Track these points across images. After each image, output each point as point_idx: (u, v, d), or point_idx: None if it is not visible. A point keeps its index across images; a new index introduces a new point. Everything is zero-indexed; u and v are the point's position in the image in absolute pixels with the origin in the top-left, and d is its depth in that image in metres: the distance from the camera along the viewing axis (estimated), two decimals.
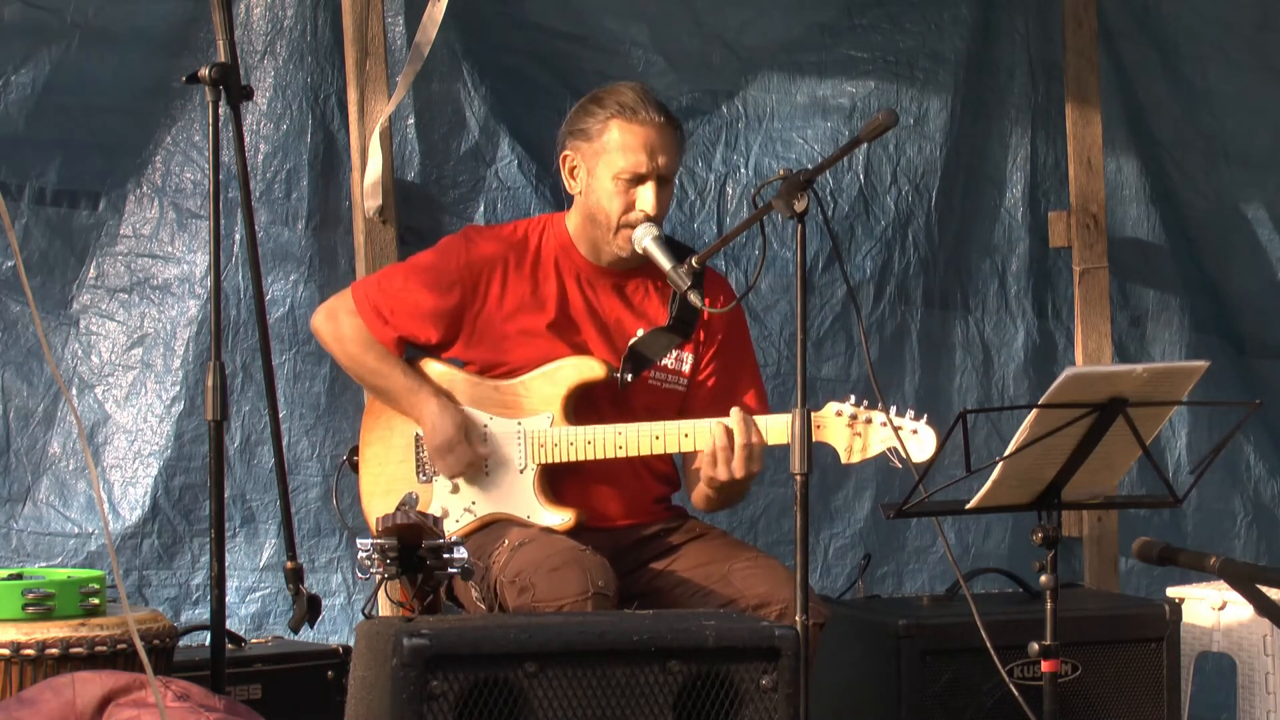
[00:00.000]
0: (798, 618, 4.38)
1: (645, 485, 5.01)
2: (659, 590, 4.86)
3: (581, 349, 4.93)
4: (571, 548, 4.66)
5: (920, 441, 4.66)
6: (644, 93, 4.93)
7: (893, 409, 4.70)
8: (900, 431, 4.65)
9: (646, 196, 4.86)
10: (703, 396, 4.99)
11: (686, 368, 5.00)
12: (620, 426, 4.83)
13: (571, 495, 4.92)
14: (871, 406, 4.70)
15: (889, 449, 4.68)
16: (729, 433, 4.72)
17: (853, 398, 4.74)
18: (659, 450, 4.84)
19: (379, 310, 4.96)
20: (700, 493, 4.92)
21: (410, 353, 5.03)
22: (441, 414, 4.89)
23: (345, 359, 5.03)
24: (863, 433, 4.70)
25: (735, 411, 4.75)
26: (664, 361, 4.97)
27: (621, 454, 4.83)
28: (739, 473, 4.73)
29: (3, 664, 4.26)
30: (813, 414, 4.59)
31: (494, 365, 4.95)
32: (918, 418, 4.68)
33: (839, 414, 4.72)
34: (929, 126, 6.33)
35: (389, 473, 5.01)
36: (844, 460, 4.75)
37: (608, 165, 4.87)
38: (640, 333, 4.95)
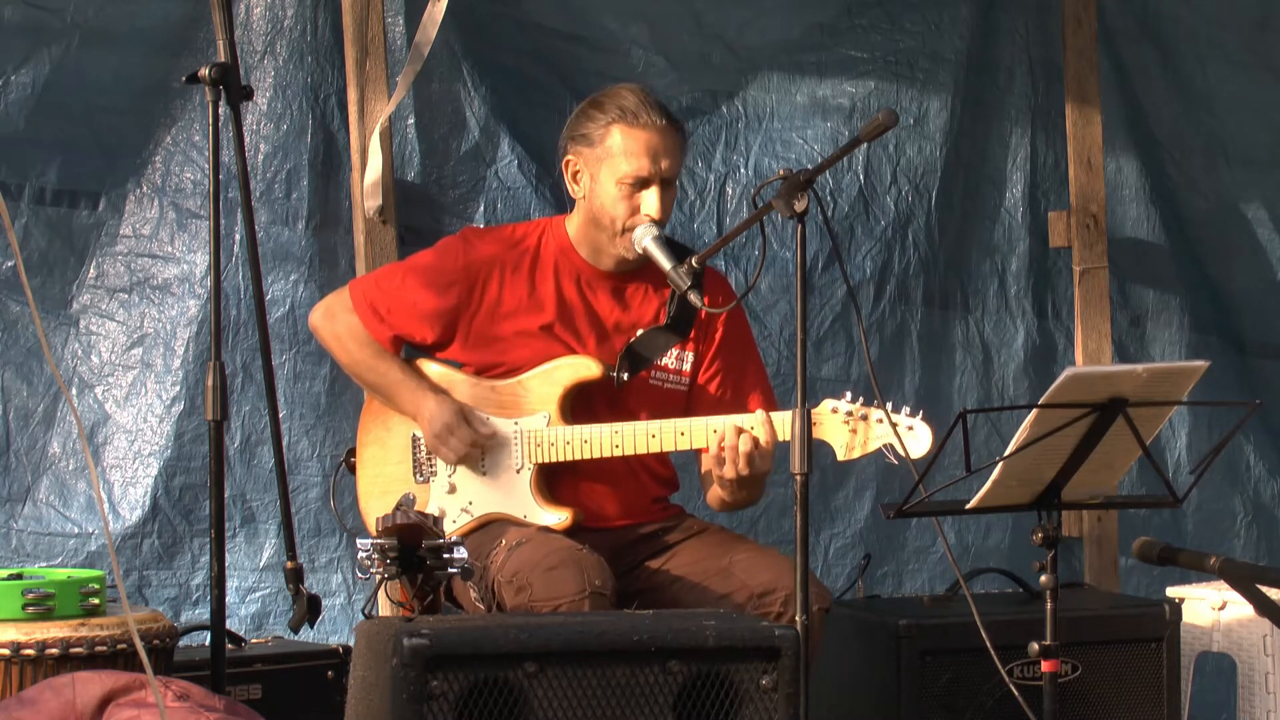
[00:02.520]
0: (798, 618, 4.38)
1: (642, 485, 5.01)
2: (659, 587, 4.87)
3: (579, 350, 4.93)
4: (569, 547, 4.66)
5: (916, 438, 4.65)
6: (645, 95, 4.92)
7: (888, 405, 4.70)
8: (897, 428, 4.64)
9: (651, 200, 4.85)
10: (707, 399, 4.99)
11: (687, 367, 5.00)
12: (617, 425, 4.83)
13: (569, 495, 4.92)
14: (868, 403, 4.70)
15: (885, 445, 4.67)
16: (738, 431, 4.71)
17: (849, 394, 4.73)
18: (655, 449, 4.84)
19: (376, 308, 4.96)
20: (714, 495, 4.92)
21: (407, 353, 5.03)
22: (439, 404, 4.89)
23: (343, 356, 5.03)
24: (859, 429, 4.70)
25: (760, 413, 4.75)
26: (663, 361, 4.97)
27: (618, 453, 4.83)
28: (744, 469, 4.72)
29: (3, 664, 4.26)
30: (810, 412, 4.60)
31: (491, 366, 4.95)
32: (913, 414, 4.68)
33: (835, 411, 4.72)
34: (929, 126, 6.33)
35: (386, 474, 5.01)
36: (841, 457, 4.74)
37: (611, 170, 4.87)
38: (639, 333, 4.95)
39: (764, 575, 4.75)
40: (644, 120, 4.86)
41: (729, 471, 4.72)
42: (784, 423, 4.67)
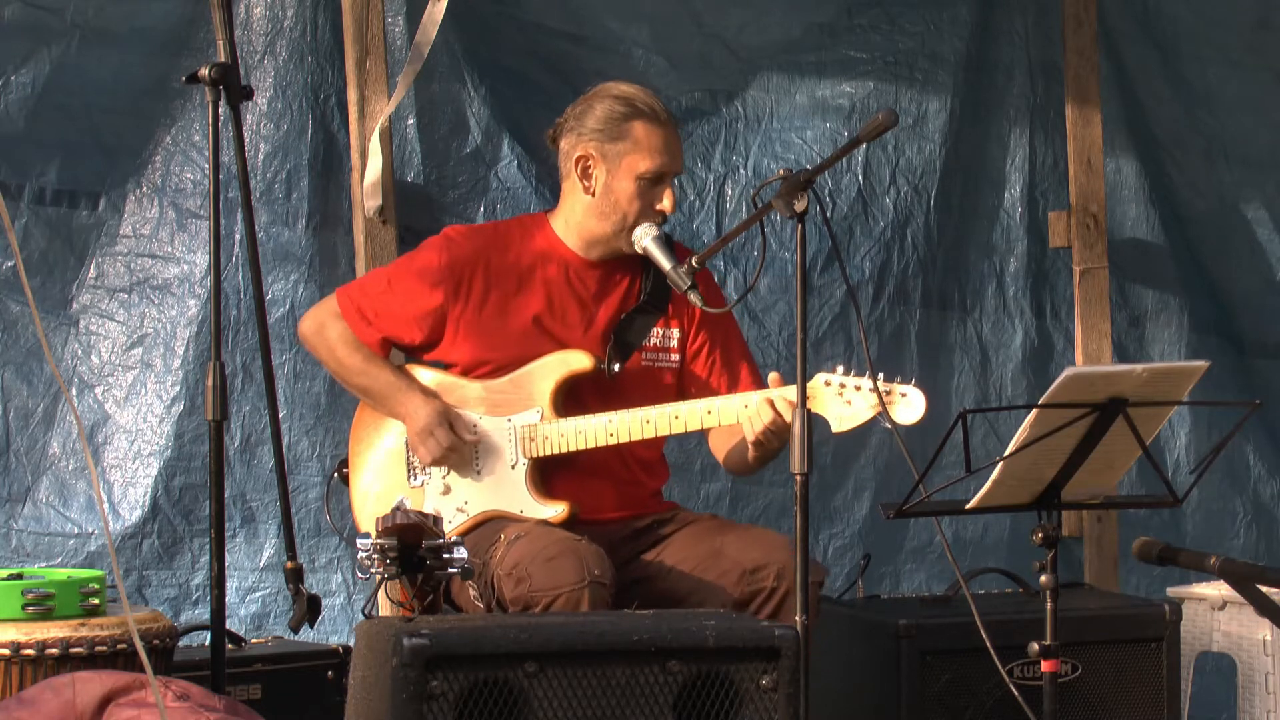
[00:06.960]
0: (798, 618, 4.38)
1: (635, 477, 5.02)
2: (654, 577, 4.87)
3: (568, 342, 4.94)
4: (567, 538, 4.67)
5: (910, 404, 4.63)
6: (652, 93, 4.98)
7: (881, 374, 4.67)
8: (889, 395, 4.64)
9: (667, 196, 4.91)
10: (697, 376, 5.02)
11: (674, 344, 5.03)
12: (611, 415, 4.83)
13: (564, 489, 4.92)
14: (860, 374, 4.70)
15: (879, 413, 4.66)
16: (772, 405, 4.70)
17: (840, 367, 4.72)
18: (650, 434, 4.84)
19: (362, 312, 4.97)
20: (738, 459, 4.92)
21: (397, 356, 5.04)
22: (424, 404, 4.90)
23: (331, 362, 5.04)
24: (852, 400, 4.70)
25: (774, 375, 4.75)
26: (650, 341, 4.99)
27: (613, 441, 4.83)
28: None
29: (3, 664, 4.26)
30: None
31: (480, 363, 4.96)
32: (905, 381, 4.67)
33: (828, 384, 4.72)
34: (928, 127, 6.33)
35: (380, 480, 5.01)
36: (835, 429, 4.73)
37: (631, 166, 4.90)
38: (622, 318, 4.97)
39: (754, 552, 4.77)
40: (663, 118, 4.94)
41: (772, 442, 4.73)
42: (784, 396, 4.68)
